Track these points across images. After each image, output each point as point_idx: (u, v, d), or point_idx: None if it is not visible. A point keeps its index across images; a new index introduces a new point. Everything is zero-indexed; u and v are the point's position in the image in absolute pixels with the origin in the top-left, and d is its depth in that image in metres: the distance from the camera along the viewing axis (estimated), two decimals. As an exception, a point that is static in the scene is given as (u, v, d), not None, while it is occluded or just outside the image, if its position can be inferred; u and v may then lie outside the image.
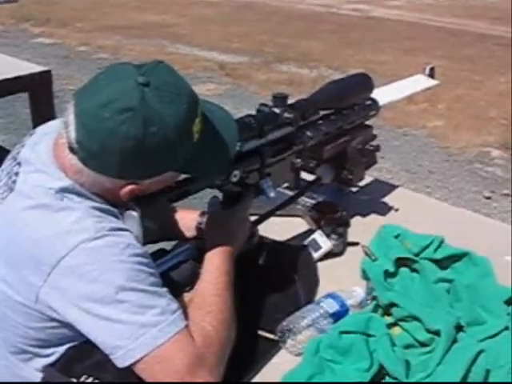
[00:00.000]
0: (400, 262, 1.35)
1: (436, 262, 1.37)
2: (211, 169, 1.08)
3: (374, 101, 1.63)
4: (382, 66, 6.35)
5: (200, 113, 1.02)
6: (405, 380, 1.09)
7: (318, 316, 1.22)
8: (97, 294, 0.93)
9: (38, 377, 1.03)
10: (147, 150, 0.95)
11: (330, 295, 1.28)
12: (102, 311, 0.93)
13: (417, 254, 1.38)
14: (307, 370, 1.10)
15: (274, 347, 1.20)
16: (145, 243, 1.08)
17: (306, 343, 1.16)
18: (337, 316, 1.23)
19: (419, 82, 2.19)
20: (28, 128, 2.77)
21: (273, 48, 7.34)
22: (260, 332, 1.23)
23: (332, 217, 1.52)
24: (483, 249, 1.39)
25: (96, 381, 0.99)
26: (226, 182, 1.20)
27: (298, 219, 1.64)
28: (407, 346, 1.18)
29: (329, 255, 1.49)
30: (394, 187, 1.91)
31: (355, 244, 1.52)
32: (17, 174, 1.03)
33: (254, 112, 1.30)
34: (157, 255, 1.23)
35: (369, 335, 1.14)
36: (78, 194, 0.99)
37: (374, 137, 1.66)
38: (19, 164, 1.05)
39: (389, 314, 1.25)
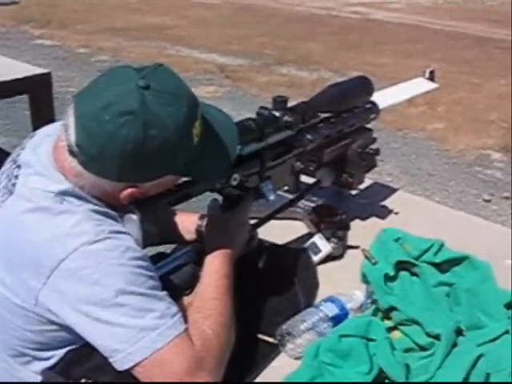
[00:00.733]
0: (400, 266, 1.35)
1: (436, 265, 1.37)
2: (211, 172, 1.08)
3: (374, 104, 1.63)
4: (381, 68, 6.36)
5: (200, 116, 1.02)
6: (405, 384, 1.09)
7: (317, 319, 1.22)
8: (96, 297, 0.93)
9: (37, 379, 1.03)
10: (147, 153, 0.95)
11: (330, 299, 1.28)
12: (101, 314, 0.93)
13: (417, 258, 1.38)
14: (307, 373, 1.10)
15: (273, 351, 1.20)
16: (144, 246, 1.08)
17: (305, 347, 1.16)
18: (336, 320, 1.23)
19: (419, 85, 2.19)
20: (28, 130, 2.77)
21: (272, 50, 7.34)
22: (259, 335, 1.23)
23: (332, 220, 1.52)
24: (483, 252, 1.39)
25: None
26: (226, 186, 1.20)
27: (298, 222, 1.64)
28: (407, 350, 1.18)
29: (328, 258, 1.49)
30: (393, 190, 1.91)
31: (355, 247, 1.52)
32: (16, 176, 1.03)
33: (253, 115, 1.30)
34: (157, 258, 1.23)
35: (369, 339, 1.14)
36: (78, 197, 0.99)
37: (374, 140, 1.66)
38: (19, 167, 1.04)
39: (389, 318, 1.25)
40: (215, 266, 1.12)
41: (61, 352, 1.01)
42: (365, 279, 1.35)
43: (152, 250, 1.29)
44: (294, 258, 1.42)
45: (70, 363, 1.00)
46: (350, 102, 1.55)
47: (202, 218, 1.35)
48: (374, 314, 1.26)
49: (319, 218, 1.55)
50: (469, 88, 5.93)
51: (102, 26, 8.12)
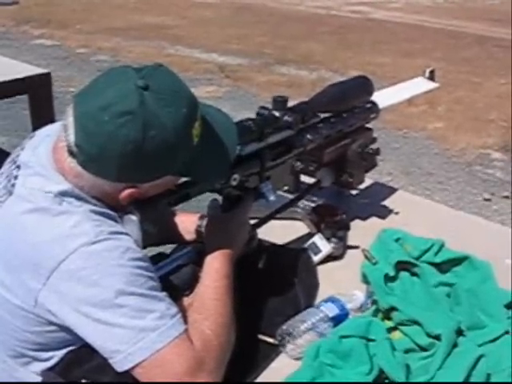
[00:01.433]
0: (400, 266, 1.35)
1: (436, 265, 1.37)
2: (211, 172, 1.08)
3: (374, 104, 1.63)
4: (381, 67, 6.35)
5: (199, 116, 1.02)
6: (405, 384, 1.08)
7: (317, 320, 1.22)
8: (96, 298, 0.92)
9: (37, 380, 1.03)
10: (146, 154, 0.95)
11: (330, 299, 1.28)
12: (100, 315, 0.93)
13: (417, 258, 1.38)
14: (307, 374, 1.10)
15: (273, 351, 1.20)
16: (144, 247, 1.08)
17: (305, 347, 1.16)
18: (337, 320, 1.23)
19: (419, 85, 2.19)
20: (28, 130, 2.78)
21: (272, 50, 7.34)
22: (260, 336, 1.23)
23: (332, 220, 1.52)
24: (483, 252, 1.39)
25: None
26: (226, 186, 1.19)
27: (298, 222, 1.63)
28: (407, 351, 1.18)
29: (329, 259, 1.49)
30: (393, 190, 1.91)
31: (355, 247, 1.52)
32: (16, 177, 1.03)
33: (253, 114, 1.30)
34: (156, 259, 1.23)
35: (369, 339, 1.14)
36: (77, 198, 0.98)
37: (374, 140, 1.66)
38: (18, 167, 1.04)
39: (389, 318, 1.25)
40: (215, 267, 1.12)
41: (60, 353, 1.01)
42: (365, 279, 1.35)
43: (152, 251, 1.29)
44: (294, 258, 1.42)
45: (70, 364, 1.00)
46: (350, 101, 1.55)
47: (201, 218, 1.35)
48: (375, 314, 1.26)
49: (319, 217, 1.55)
50: (469, 87, 5.92)
51: (102, 26, 8.11)
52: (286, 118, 1.31)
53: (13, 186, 1.02)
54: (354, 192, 1.81)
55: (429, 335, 1.18)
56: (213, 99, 5.29)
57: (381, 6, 10.75)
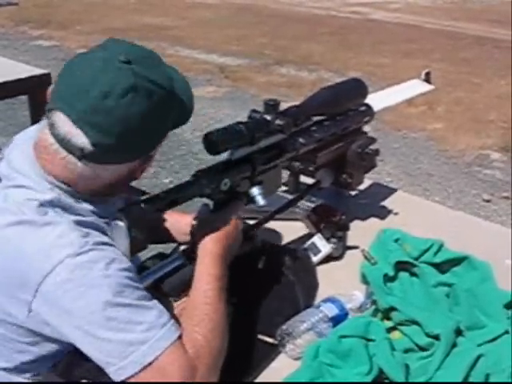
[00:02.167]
0: (399, 266, 1.35)
1: (435, 265, 1.37)
2: (181, 117, 1.07)
3: (369, 106, 1.63)
4: (381, 68, 6.36)
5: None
6: (404, 384, 1.09)
7: (317, 320, 1.22)
8: (83, 311, 0.92)
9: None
10: (159, 117, 0.98)
11: (330, 299, 1.28)
12: (88, 329, 0.92)
13: (416, 258, 1.38)
14: (306, 374, 1.10)
15: (273, 351, 1.20)
16: (132, 253, 1.07)
17: (305, 347, 1.16)
18: (336, 320, 1.23)
19: (415, 87, 2.19)
20: (27, 131, 2.77)
21: (272, 51, 7.34)
22: (259, 336, 1.23)
23: (331, 220, 1.52)
24: (482, 252, 1.39)
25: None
26: (216, 191, 1.17)
27: (298, 223, 1.63)
28: (407, 351, 1.18)
29: (328, 259, 1.49)
30: (393, 191, 1.91)
31: (355, 248, 1.52)
32: None
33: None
34: (156, 259, 1.23)
35: (368, 339, 1.14)
36: (63, 208, 0.97)
37: (374, 140, 1.66)
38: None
39: (388, 318, 1.25)
40: (205, 269, 1.09)
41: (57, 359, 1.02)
42: (364, 279, 1.35)
43: (152, 250, 1.29)
44: (293, 258, 1.42)
45: (71, 364, 1.01)
46: (343, 104, 1.54)
47: (196, 218, 1.34)
48: (374, 314, 1.27)
49: (319, 218, 1.55)
50: (468, 88, 5.93)
51: (101, 27, 8.11)
52: (277, 121, 1.28)
53: None
54: (353, 192, 1.81)
55: (428, 335, 1.18)
56: (213, 100, 5.30)
57: (380, 7, 10.75)
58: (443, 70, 5.78)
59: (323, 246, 1.48)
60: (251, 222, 1.35)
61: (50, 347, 1.00)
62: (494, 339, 1.18)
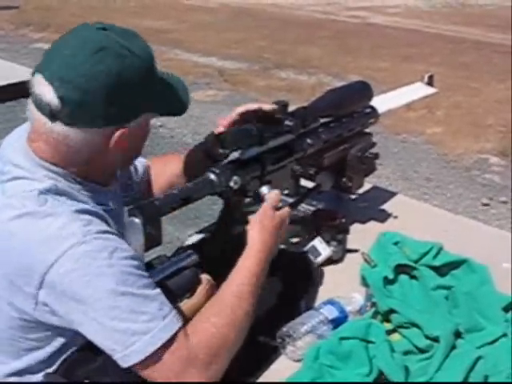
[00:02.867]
0: (399, 269, 1.36)
1: (435, 268, 1.38)
2: (175, 106, 1.09)
3: (373, 109, 1.64)
4: (380, 72, 6.37)
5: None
6: (404, 386, 1.09)
7: (317, 322, 1.23)
8: (88, 300, 0.93)
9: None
10: (128, 83, 0.97)
11: (330, 301, 1.29)
12: (95, 316, 0.93)
13: (416, 261, 1.39)
14: (307, 375, 1.11)
15: (273, 353, 1.21)
16: (147, 249, 1.08)
17: (305, 349, 1.17)
18: (336, 322, 1.24)
19: (418, 90, 2.20)
20: (28, 133, 2.77)
21: (271, 54, 7.35)
22: (260, 338, 1.24)
23: (331, 224, 1.53)
24: (481, 256, 1.40)
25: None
26: (227, 190, 1.20)
27: (298, 226, 1.64)
28: (406, 353, 1.19)
29: (328, 262, 1.50)
30: (392, 194, 1.92)
31: (354, 251, 1.53)
32: None
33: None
34: (158, 261, 1.24)
35: (368, 341, 1.15)
36: (61, 194, 0.98)
37: (374, 144, 1.67)
38: None
39: (388, 321, 1.26)
40: (247, 264, 1.11)
41: (61, 356, 1.03)
42: (364, 282, 1.36)
43: (152, 253, 1.29)
44: (294, 261, 1.43)
45: (73, 365, 1.01)
46: (349, 106, 1.56)
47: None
48: (374, 316, 1.27)
49: (319, 221, 1.56)
50: (467, 92, 5.94)
51: (101, 30, 8.11)
52: (286, 122, 1.32)
53: None
54: (353, 196, 1.82)
55: (427, 337, 1.19)
56: (212, 103, 5.31)
57: (380, 11, 10.77)
58: (442, 74, 5.79)
59: (323, 248, 1.49)
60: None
61: (58, 343, 1.01)
62: (493, 342, 1.19)
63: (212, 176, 1.18)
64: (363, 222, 1.71)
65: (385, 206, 1.80)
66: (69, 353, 1.04)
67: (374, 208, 1.79)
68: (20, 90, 2.99)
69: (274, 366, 1.19)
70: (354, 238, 1.57)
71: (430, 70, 2.73)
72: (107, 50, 0.95)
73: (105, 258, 0.94)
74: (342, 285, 1.41)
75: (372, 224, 1.71)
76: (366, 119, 1.63)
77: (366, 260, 1.42)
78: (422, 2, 11.99)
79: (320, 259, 1.48)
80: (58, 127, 0.97)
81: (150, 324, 0.94)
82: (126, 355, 0.94)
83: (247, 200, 1.29)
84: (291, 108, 1.38)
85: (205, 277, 1.19)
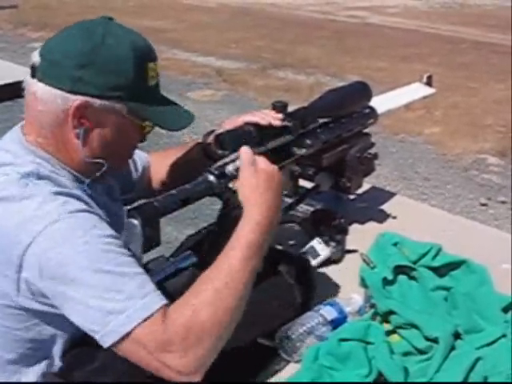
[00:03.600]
0: (398, 270, 1.36)
1: (434, 269, 1.38)
2: (167, 122, 1.09)
3: (373, 109, 1.64)
4: (378, 72, 6.37)
5: (156, 67, 1.10)
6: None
7: (316, 323, 1.23)
8: (65, 278, 0.92)
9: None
10: (101, 58, 1.01)
11: (329, 302, 1.29)
12: (72, 294, 0.92)
13: (415, 262, 1.39)
14: (306, 376, 1.10)
15: (272, 354, 1.21)
16: (145, 251, 1.08)
17: (304, 350, 1.16)
18: (335, 323, 1.24)
19: (417, 91, 2.20)
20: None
21: (270, 54, 7.35)
22: (259, 339, 1.24)
23: (330, 224, 1.53)
24: (480, 256, 1.40)
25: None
26: (226, 190, 1.20)
27: (297, 226, 1.64)
28: (406, 354, 1.19)
29: (327, 262, 1.50)
30: (391, 195, 1.92)
31: (353, 251, 1.53)
32: None
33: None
34: (157, 262, 1.24)
35: (367, 342, 1.15)
36: (42, 178, 0.99)
37: (372, 145, 1.67)
38: None
39: (387, 322, 1.26)
40: (241, 233, 1.04)
41: (55, 350, 1.03)
42: (363, 283, 1.36)
43: (151, 254, 1.29)
44: (292, 261, 1.42)
45: (72, 366, 1.01)
46: (348, 107, 1.56)
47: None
48: (373, 317, 1.27)
49: (318, 222, 1.56)
50: (466, 92, 5.94)
51: (100, 30, 8.11)
52: (285, 123, 1.32)
53: None
54: (352, 196, 1.81)
55: (427, 338, 1.19)
56: (210, 103, 5.30)
57: (378, 11, 10.78)
58: (441, 75, 5.79)
59: (322, 249, 1.49)
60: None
61: (47, 332, 1.01)
62: (492, 342, 1.18)
63: (211, 177, 1.17)
64: (362, 222, 1.71)
65: (384, 207, 1.80)
66: (61, 342, 1.03)
67: (372, 208, 1.79)
68: (17, 90, 2.98)
69: (273, 367, 1.19)
70: (353, 239, 1.57)
71: (428, 70, 2.73)
72: (96, 27, 1.04)
73: (80, 236, 0.93)
74: (341, 286, 1.41)
75: (371, 224, 1.71)
76: (365, 120, 1.63)
77: (364, 261, 1.42)
78: (421, 2, 12.00)
79: (319, 260, 1.48)
80: (34, 84, 1.03)
81: (127, 303, 0.91)
82: (104, 335, 0.91)
83: None
84: (290, 108, 1.38)
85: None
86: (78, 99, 1.00)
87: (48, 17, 8.88)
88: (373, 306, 1.29)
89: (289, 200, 1.55)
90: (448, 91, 5.65)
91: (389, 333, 1.23)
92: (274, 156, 1.33)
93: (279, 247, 1.52)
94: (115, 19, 1.12)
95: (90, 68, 1.00)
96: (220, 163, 1.21)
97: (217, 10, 10.31)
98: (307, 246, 1.49)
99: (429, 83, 2.25)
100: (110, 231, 0.98)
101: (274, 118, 1.28)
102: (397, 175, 4.11)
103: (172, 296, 1.06)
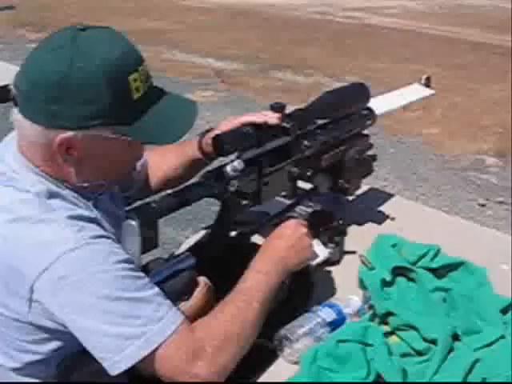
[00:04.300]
0: (397, 271, 1.36)
1: (432, 271, 1.38)
2: (156, 137, 1.02)
3: (371, 110, 1.64)
4: (377, 73, 6.38)
5: (142, 72, 1.00)
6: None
7: (315, 324, 1.22)
8: (81, 306, 0.93)
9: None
10: (72, 84, 0.93)
11: (327, 304, 1.29)
12: (86, 323, 0.93)
13: (413, 263, 1.39)
14: (305, 378, 1.10)
15: (271, 355, 1.21)
16: (143, 252, 1.08)
17: (303, 352, 1.16)
18: (334, 325, 1.24)
19: (415, 92, 2.20)
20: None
21: (269, 55, 7.36)
22: (257, 340, 1.23)
23: (329, 225, 1.52)
24: (479, 257, 1.40)
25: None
26: (224, 192, 1.20)
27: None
28: (404, 355, 1.19)
29: (325, 264, 1.49)
30: (390, 196, 1.92)
31: (352, 253, 1.53)
32: None
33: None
34: (154, 264, 1.23)
35: (366, 344, 1.15)
36: (54, 197, 0.98)
37: (371, 146, 1.67)
38: None
39: (386, 323, 1.26)
40: (260, 266, 1.14)
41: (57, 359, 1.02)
42: (362, 284, 1.36)
43: (149, 255, 1.29)
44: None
45: (70, 368, 1.01)
46: (346, 108, 1.56)
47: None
48: (371, 319, 1.27)
49: (316, 223, 1.55)
50: (464, 93, 5.95)
51: (98, 31, 8.10)
52: (283, 124, 1.32)
53: None
54: (350, 198, 1.81)
55: (425, 340, 1.18)
56: (209, 104, 5.31)
57: (377, 12, 10.79)
58: (439, 75, 5.80)
59: (321, 250, 1.48)
60: (248, 229, 1.36)
61: (54, 346, 1.00)
62: (491, 344, 1.18)
63: (209, 178, 1.17)
64: (361, 223, 1.71)
65: (382, 208, 1.80)
66: (66, 354, 1.03)
67: (371, 210, 1.79)
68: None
69: (271, 369, 1.19)
70: (352, 240, 1.57)
71: (426, 70, 2.74)
72: (64, 50, 0.95)
73: (98, 264, 0.93)
74: (339, 287, 1.41)
75: (370, 226, 1.71)
76: (364, 121, 1.63)
77: (363, 262, 1.41)
78: (419, 3, 12.01)
79: (317, 261, 1.47)
80: (17, 116, 0.99)
81: (145, 328, 0.94)
82: (117, 361, 0.93)
83: (244, 202, 1.29)
84: (288, 109, 1.38)
85: (202, 279, 1.19)
86: (57, 135, 0.96)
87: (47, 18, 8.87)
88: (371, 307, 1.29)
89: (287, 201, 1.55)
90: (446, 92, 5.66)
91: (387, 334, 1.23)
92: (273, 157, 1.33)
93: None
94: (86, 26, 0.99)
95: (62, 101, 0.94)
96: (218, 164, 1.21)
97: (216, 11, 10.31)
98: (306, 248, 1.49)
99: (427, 84, 2.25)
100: (125, 255, 0.98)
101: (270, 118, 1.28)
102: (395, 176, 4.12)
103: (171, 297, 1.06)
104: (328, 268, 1.50)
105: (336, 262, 1.52)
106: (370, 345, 1.15)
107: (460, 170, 4.30)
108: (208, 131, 1.34)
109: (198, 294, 1.15)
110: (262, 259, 1.16)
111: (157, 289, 0.99)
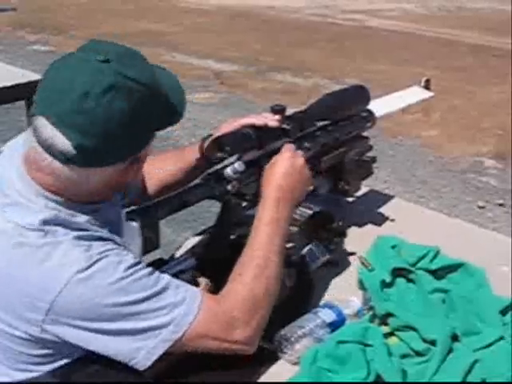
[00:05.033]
0: (396, 273, 1.36)
1: (432, 272, 1.38)
2: (168, 118, 1.05)
3: (371, 112, 1.65)
4: (376, 75, 6.38)
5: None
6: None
7: (315, 325, 1.23)
8: (103, 316, 0.94)
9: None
10: (141, 115, 0.95)
11: (327, 305, 1.29)
12: (113, 326, 0.94)
13: (413, 265, 1.39)
14: (304, 378, 1.10)
15: (271, 356, 1.21)
16: (144, 253, 1.08)
17: (303, 352, 1.16)
18: (334, 326, 1.24)
19: (415, 94, 2.21)
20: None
21: (268, 57, 7.36)
22: (257, 341, 1.24)
23: (329, 227, 1.53)
24: (478, 259, 1.40)
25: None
26: (225, 193, 1.20)
27: (295, 229, 1.64)
28: (404, 356, 1.19)
29: (325, 265, 1.50)
30: (389, 198, 1.92)
31: (352, 254, 1.53)
32: None
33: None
34: (155, 265, 1.24)
35: (366, 345, 1.15)
36: (61, 225, 0.96)
37: (371, 148, 1.67)
38: None
39: (385, 324, 1.26)
40: (261, 215, 1.17)
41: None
42: (361, 286, 1.36)
43: (150, 256, 1.29)
44: (291, 264, 1.42)
45: (72, 368, 1.01)
46: (346, 110, 1.56)
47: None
48: (371, 320, 1.27)
49: (316, 224, 1.56)
50: (463, 95, 5.96)
51: (98, 32, 8.12)
52: (284, 126, 1.32)
53: None
54: (350, 199, 1.82)
55: (425, 340, 1.19)
56: (208, 106, 5.31)
57: (376, 15, 10.80)
58: (438, 78, 5.80)
59: (320, 252, 1.49)
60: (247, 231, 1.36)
61: (63, 361, 1.01)
62: (490, 345, 1.19)
63: (210, 180, 1.18)
64: (360, 225, 1.71)
65: (382, 210, 1.81)
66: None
67: (371, 211, 1.80)
68: (16, 93, 2.97)
69: (271, 369, 1.19)
70: (352, 242, 1.57)
71: (426, 73, 2.75)
72: (116, 89, 0.92)
73: (112, 275, 0.94)
74: (339, 288, 1.41)
75: (369, 227, 1.71)
76: (364, 123, 1.63)
77: (363, 263, 1.42)
78: (419, 5, 12.03)
79: (317, 262, 1.48)
80: (71, 170, 0.95)
81: (172, 314, 0.97)
82: (153, 347, 0.95)
83: (245, 203, 1.29)
84: (288, 111, 1.38)
85: (203, 280, 1.19)
86: (129, 163, 1.01)
87: (46, 19, 8.88)
88: (371, 308, 1.29)
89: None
90: (446, 94, 5.67)
91: (387, 335, 1.23)
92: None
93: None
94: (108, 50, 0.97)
95: (135, 135, 0.97)
96: (219, 166, 1.22)
97: (215, 13, 10.32)
98: (306, 249, 1.49)
99: (427, 87, 2.26)
100: (133, 258, 0.99)
101: (270, 120, 1.29)
102: (395, 178, 4.13)
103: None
104: (328, 269, 1.50)
105: (336, 263, 1.52)
106: (370, 345, 1.15)
107: (459, 172, 4.30)
108: (208, 137, 1.34)
109: (199, 295, 1.15)
110: (266, 207, 1.17)
111: (166, 275, 1.02)
